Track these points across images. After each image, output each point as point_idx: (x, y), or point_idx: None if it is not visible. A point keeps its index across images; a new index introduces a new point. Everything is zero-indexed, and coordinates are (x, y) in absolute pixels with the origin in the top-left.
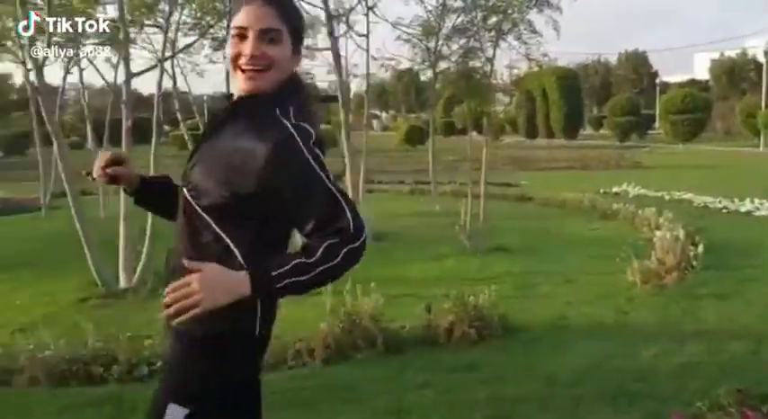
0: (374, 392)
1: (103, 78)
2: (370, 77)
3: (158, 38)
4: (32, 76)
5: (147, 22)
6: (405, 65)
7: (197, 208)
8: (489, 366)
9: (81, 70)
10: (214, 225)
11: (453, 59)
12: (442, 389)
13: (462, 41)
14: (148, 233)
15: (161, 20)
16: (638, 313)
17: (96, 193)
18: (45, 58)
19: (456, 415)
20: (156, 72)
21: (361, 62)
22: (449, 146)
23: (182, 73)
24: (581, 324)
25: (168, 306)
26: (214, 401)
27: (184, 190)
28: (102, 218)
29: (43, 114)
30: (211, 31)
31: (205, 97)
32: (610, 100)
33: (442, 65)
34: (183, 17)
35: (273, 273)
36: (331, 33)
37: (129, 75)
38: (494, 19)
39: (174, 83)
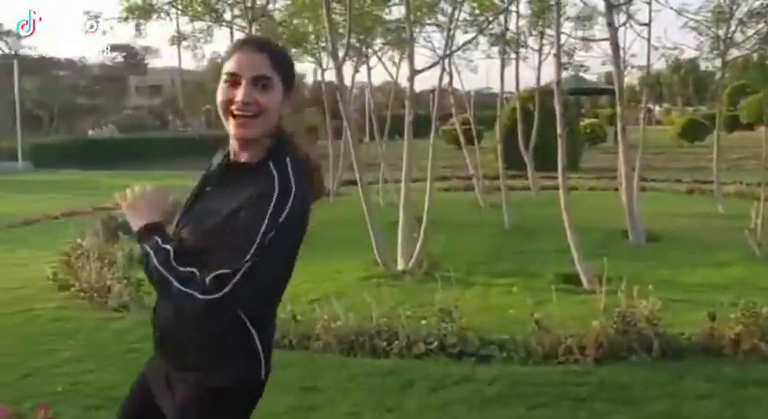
0: (650, 396)
1: (391, 76)
2: (646, 69)
3: (436, 36)
4: (330, 76)
5: (427, 21)
6: (688, 54)
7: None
8: None
9: (369, 69)
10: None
11: (748, 47)
12: (727, 402)
13: (760, 26)
14: (424, 221)
15: (441, 18)
16: None
17: (377, 183)
18: (345, 59)
19: None
20: (432, 69)
21: (640, 53)
22: (733, 142)
23: (456, 69)
24: None
25: None
26: None
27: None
28: (382, 206)
29: (341, 110)
30: (489, 27)
31: (472, 93)
32: None
33: (734, 53)
34: (463, 14)
35: (155, 236)
36: (610, 24)
37: (413, 73)
38: None
39: (450, 79)
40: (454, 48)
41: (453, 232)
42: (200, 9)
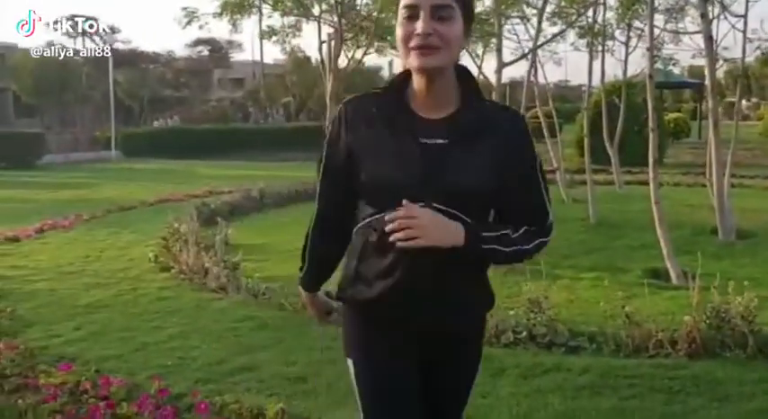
0: (745, 393)
1: (479, 69)
2: (737, 62)
3: (520, 28)
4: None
5: (513, 13)
6: None
7: (459, 215)
8: None
9: None
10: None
11: None
12: (759, 396)
13: None
14: None
15: (527, 10)
16: None
17: None
18: None
19: None
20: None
21: (732, 45)
22: None
23: (539, 62)
24: None
25: (393, 230)
26: None
27: (433, 203)
28: None
29: None
30: (578, 19)
31: (551, 85)
32: None
33: None
34: (550, 6)
35: (483, 234)
36: (703, 15)
37: (501, 65)
38: None
39: (536, 71)
40: (544, 40)
41: None
42: (289, 4)
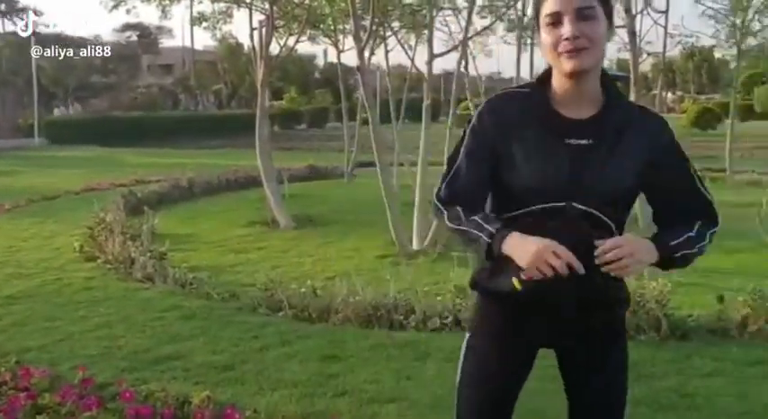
0: (658, 373)
1: (410, 59)
2: (660, 56)
3: (452, 20)
4: (342, 58)
5: (445, 5)
6: (704, 42)
7: (600, 215)
8: None
9: (387, 52)
10: (607, 221)
11: (765, 36)
12: (733, 380)
13: None
14: None
15: (459, 2)
16: None
17: (391, 165)
18: (368, 39)
19: (746, 406)
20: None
21: (655, 40)
22: (746, 131)
23: (471, 54)
24: None
25: (606, 262)
26: None
27: (575, 203)
28: (396, 188)
29: (361, 93)
30: (507, 12)
31: (483, 77)
32: None
33: (750, 41)
34: (480, 0)
35: (672, 243)
36: (628, 11)
37: (432, 57)
38: None
39: (466, 64)
40: (474, 32)
41: None
42: None
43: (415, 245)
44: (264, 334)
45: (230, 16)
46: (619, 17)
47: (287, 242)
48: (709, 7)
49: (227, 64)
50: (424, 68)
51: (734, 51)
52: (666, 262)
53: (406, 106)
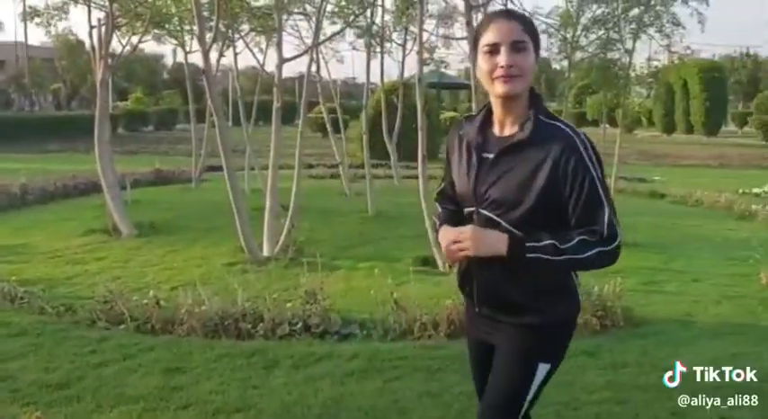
0: None
1: (259, 63)
2: None
3: (303, 25)
4: (192, 58)
5: (295, 10)
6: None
7: (500, 221)
8: (609, 354)
9: (236, 54)
10: (509, 227)
11: (591, 50)
12: (562, 371)
13: (601, 32)
14: (291, 207)
15: (309, 7)
16: None
17: (242, 170)
18: (213, 42)
19: (574, 395)
20: (299, 57)
21: None
22: None
23: (323, 59)
24: (707, 322)
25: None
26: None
27: (481, 209)
28: (247, 192)
29: (207, 95)
30: (356, 19)
31: (338, 82)
32: (757, 96)
33: (579, 55)
34: (330, 6)
35: (527, 244)
36: (469, 23)
37: (282, 60)
38: (635, 11)
39: (318, 68)
40: (322, 38)
41: (319, 219)
42: None
43: (265, 252)
44: (103, 348)
45: (66, 12)
46: (463, 30)
47: (129, 251)
48: (543, 22)
49: (67, 62)
50: (275, 71)
51: (566, 63)
52: (517, 260)
53: (261, 108)
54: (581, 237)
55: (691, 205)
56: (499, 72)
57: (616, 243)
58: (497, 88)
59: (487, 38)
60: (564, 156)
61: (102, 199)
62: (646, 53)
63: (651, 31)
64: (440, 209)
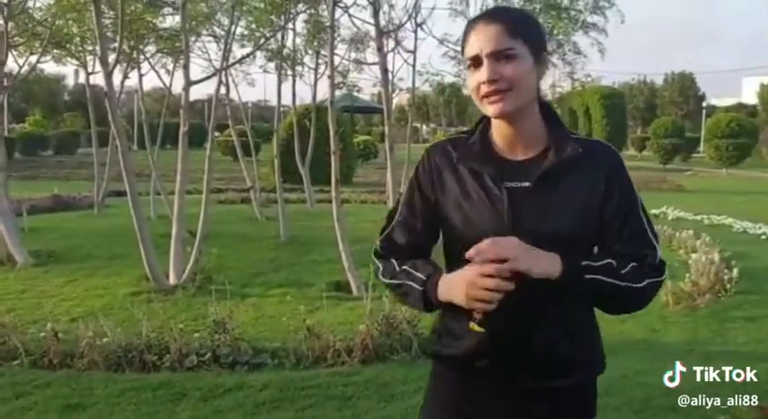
0: (408, 391)
1: (165, 85)
2: (412, 92)
3: (213, 46)
4: (94, 79)
5: (204, 32)
6: (449, 79)
7: None
8: None
9: (141, 76)
10: None
11: None
12: None
13: None
14: (199, 234)
15: (217, 30)
16: (669, 332)
17: (147, 194)
18: (116, 64)
19: None
20: (208, 80)
21: (407, 76)
22: None
23: (233, 81)
24: (612, 340)
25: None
26: None
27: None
28: (153, 218)
29: (110, 118)
30: (267, 42)
31: (249, 104)
32: (654, 121)
33: None
34: (239, 29)
35: (583, 263)
36: (380, 49)
37: (189, 83)
38: None
39: (227, 91)
40: (231, 61)
41: (229, 245)
42: None
43: (171, 280)
44: None
45: None
46: (374, 54)
47: (24, 282)
48: (452, 48)
49: None
50: (182, 94)
51: None
52: (574, 282)
53: (168, 131)
54: (633, 264)
55: None
56: (484, 89)
57: (665, 274)
58: (487, 109)
59: (468, 49)
60: (614, 178)
61: None
62: (550, 79)
63: (554, 58)
64: (382, 265)
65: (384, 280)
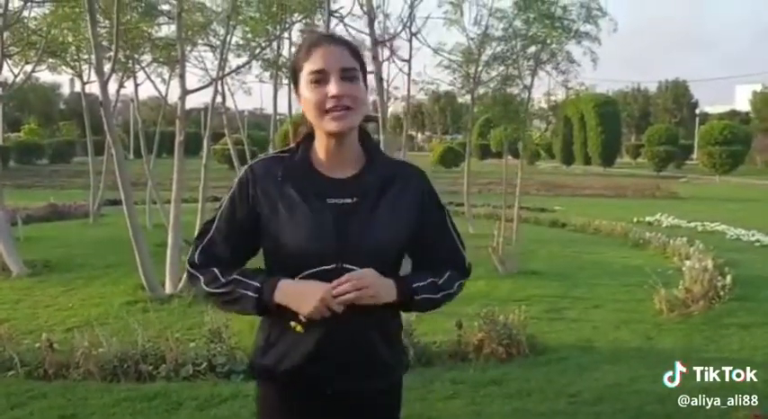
0: (406, 400)
1: (161, 94)
2: (407, 100)
3: (209, 56)
4: (90, 88)
5: (200, 41)
6: (444, 88)
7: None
8: (516, 382)
9: (136, 85)
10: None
11: (492, 85)
12: (469, 401)
13: (501, 69)
14: None
15: (213, 39)
16: (663, 339)
17: (143, 203)
18: (111, 73)
19: None
20: (203, 89)
21: (402, 85)
22: (483, 168)
23: (229, 90)
24: (607, 347)
25: (342, 292)
26: None
27: (346, 264)
28: (149, 227)
29: (105, 127)
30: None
31: (246, 113)
32: (648, 129)
33: (481, 90)
34: (235, 38)
35: (414, 285)
36: (375, 58)
37: (185, 92)
38: (533, 49)
39: (224, 100)
40: (227, 70)
41: None
42: None
43: (167, 289)
44: None
45: None
46: (368, 63)
47: (20, 291)
48: (447, 58)
49: None
50: (178, 103)
51: (469, 98)
52: (407, 303)
53: (164, 139)
54: (449, 272)
55: (589, 233)
56: (331, 103)
57: (470, 274)
58: (329, 124)
59: (314, 63)
60: (424, 193)
61: None
62: (544, 88)
63: (548, 67)
64: (203, 275)
65: (207, 288)
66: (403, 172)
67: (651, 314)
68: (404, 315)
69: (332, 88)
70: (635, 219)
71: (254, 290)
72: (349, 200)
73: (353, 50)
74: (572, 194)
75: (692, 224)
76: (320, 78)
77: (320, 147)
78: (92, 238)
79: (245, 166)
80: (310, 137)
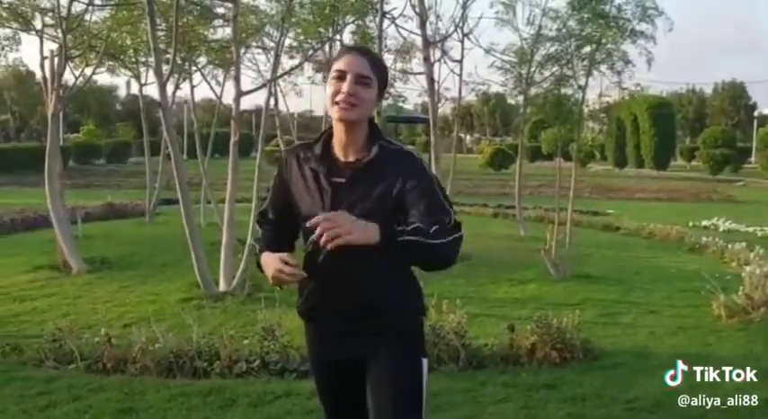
0: (456, 402)
1: (216, 96)
2: (457, 101)
3: (262, 58)
4: (146, 90)
5: (254, 43)
6: (496, 89)
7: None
8: (569, 387)
9: (192, 87)
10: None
11: (545, 86)
12: (522, 405)
13: (555, 69)
14: (248, 242)
15: (267, 41)
16: (722, 346)
17: (198, 203)
18: (170, 75)
19: None
20: (257, 91)
21: (453, 86)
22: (534, 171)
23: (281, 92)
24: (663, 353)
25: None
26: None
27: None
28: (203, 226)
29: (164, 128)
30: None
31: (296, 115)
32: (704, 131)
33: (533, 91)
34: (288, 40)
35: (398, 228)
36: (426, 59)
37: (240, 94)
38: (587, 49)
39: (276, 101)
40: (280, 72)
41: None
42: (5, 15)
43: (221, 287)
44: (52, 389)
45: (18, 43)
46: (420, 65)
47: (80, 287)
48: (499, 58)
49: (16, 93)
50: (232, 104)
51: (521, 99)
52: (391, 245)
53: (218, 141)
54: (436, 226)
55: (643, 237)
56: (340, 97)
57: (462, 231)
58: (335, 113)
59: (338, 65)
60: (406, 170)
61: (51, 233)
62: (598, 89)
63: (603, 67)
64: (261, 231)
65: (256, 243)
66: (391, 155)
67: (709, 320)
68: (456, 316)
69: (345, 86)
70: (690, 223)
71: (259, 250)
72: (342, 180)
73: (375, 63)
74: (625, 197)
75: (751, 228)
76: (340, 76)
77: (335, 136)
78: (148, 237)
79: (283, 151)
80: (332, 129)
